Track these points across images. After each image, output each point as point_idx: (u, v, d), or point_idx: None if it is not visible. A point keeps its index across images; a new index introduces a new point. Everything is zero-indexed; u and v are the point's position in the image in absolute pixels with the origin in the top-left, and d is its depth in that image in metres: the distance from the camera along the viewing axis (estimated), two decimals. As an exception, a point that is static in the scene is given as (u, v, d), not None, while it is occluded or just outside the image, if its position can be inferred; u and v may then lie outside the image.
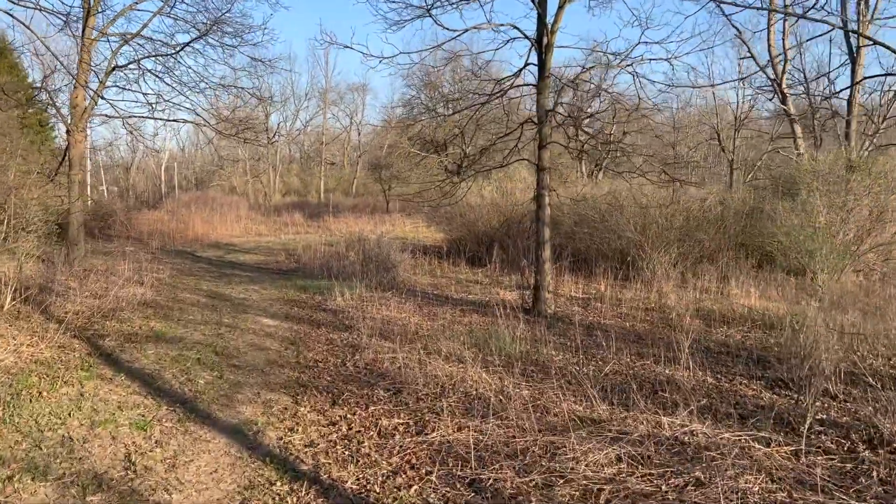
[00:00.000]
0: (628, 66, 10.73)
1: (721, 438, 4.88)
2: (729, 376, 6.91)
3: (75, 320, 8.81)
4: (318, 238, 24.09)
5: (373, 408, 5.86)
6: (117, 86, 13.98)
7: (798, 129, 14.98)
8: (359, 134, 51.17)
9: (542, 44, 10.39)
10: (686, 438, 4.93)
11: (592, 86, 10.95)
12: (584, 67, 11.11)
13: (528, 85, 11.02)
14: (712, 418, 5.45)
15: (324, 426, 5.53)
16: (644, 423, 5.25)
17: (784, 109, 15.05)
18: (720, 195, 15.21)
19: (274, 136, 41.05)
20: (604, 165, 21.39)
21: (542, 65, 10.48)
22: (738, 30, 15.82)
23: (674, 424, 5.17)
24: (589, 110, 10.68)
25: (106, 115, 16.72)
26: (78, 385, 6.32)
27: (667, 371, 6.95)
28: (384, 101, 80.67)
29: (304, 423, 5.59)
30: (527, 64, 10.94)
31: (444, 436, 5.16)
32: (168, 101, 13.81)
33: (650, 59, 11.70)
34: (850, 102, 14.63)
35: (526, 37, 10.48)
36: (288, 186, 46.84)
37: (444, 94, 32.37)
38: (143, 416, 5.69)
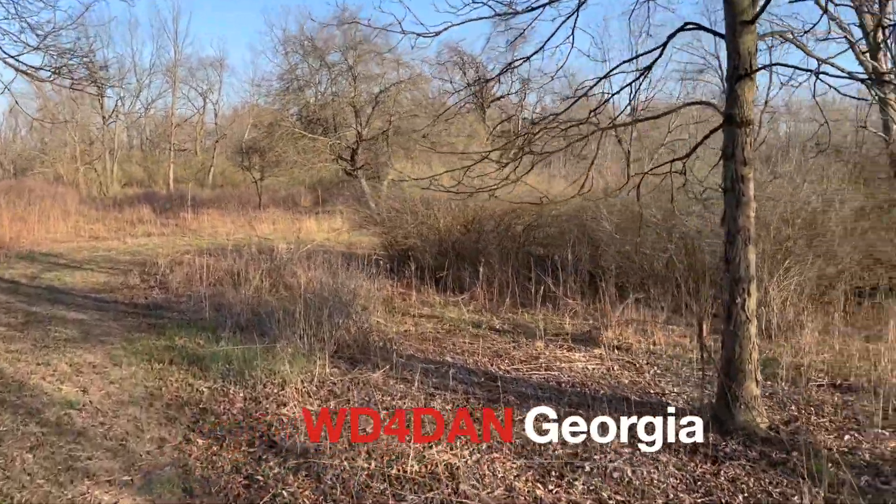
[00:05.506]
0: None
1: None
2: None
3: None
4: (181, 243, 16.75)
5: None
6: None
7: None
8: (215, 116, 42.52)
9: None
10: None
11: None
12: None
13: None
14: None
15: None
16: None
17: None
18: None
19: (111, 115, 32.03)
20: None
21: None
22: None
23: None
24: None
25: None
26: None
27: None
28: (244, 78, 71.80)
29: None
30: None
31: None
32: None
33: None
34: None
35: None
36: (129, 176, 37.68)
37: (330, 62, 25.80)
38: None
